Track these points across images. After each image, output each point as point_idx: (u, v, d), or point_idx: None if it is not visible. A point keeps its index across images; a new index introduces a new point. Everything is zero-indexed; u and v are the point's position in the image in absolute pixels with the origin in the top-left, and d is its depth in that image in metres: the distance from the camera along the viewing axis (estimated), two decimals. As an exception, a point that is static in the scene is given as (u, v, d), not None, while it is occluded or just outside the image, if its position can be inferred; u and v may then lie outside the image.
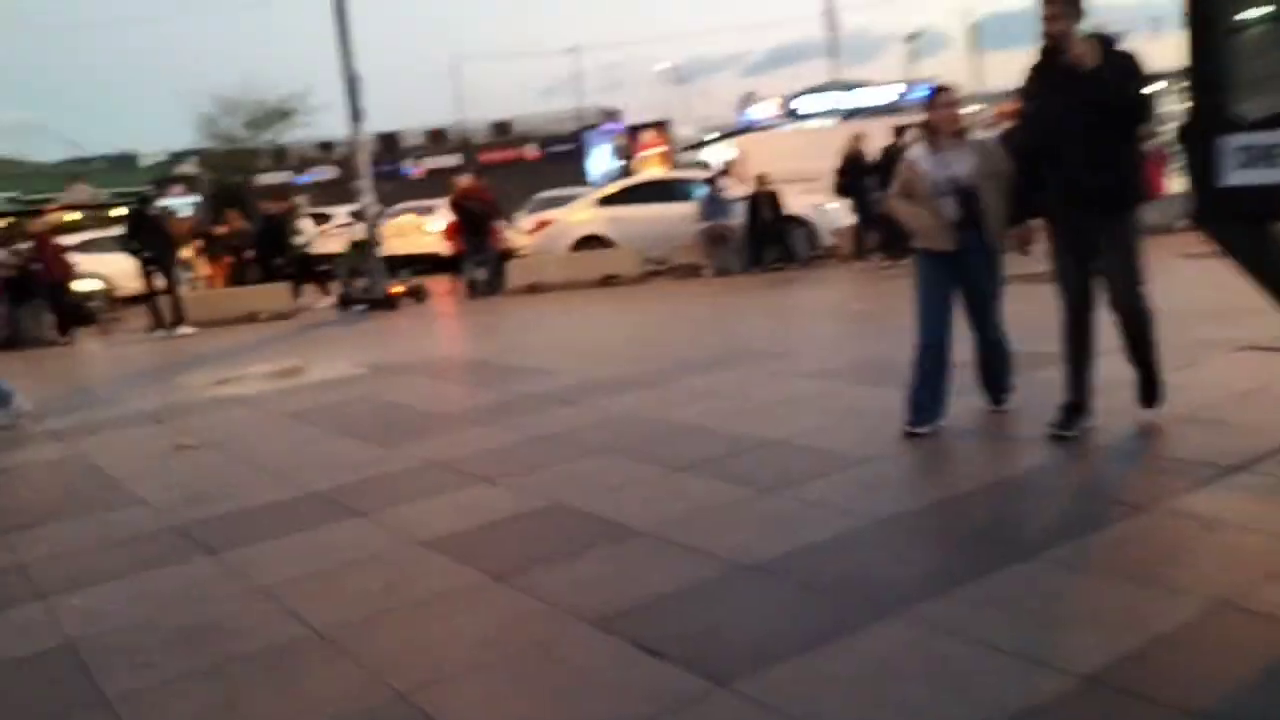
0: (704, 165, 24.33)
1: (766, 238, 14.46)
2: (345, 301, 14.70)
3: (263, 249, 16.00)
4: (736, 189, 15.54)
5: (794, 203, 14.74)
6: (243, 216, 24.34)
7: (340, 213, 22.53)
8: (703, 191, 15.19)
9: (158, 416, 7.83)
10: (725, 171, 19.19)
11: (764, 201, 14.50)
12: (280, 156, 35.09)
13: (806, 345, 8.16)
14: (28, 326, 14.12)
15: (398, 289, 14.67)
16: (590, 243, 15.64)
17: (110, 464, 6.34)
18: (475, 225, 15.26)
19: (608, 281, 14.60)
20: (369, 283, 14.72)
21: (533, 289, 14.79)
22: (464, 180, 16.27)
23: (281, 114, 40.82)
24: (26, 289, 14.07)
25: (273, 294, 15.17)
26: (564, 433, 5.91)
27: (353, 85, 14.40)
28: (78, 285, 15.51)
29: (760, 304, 11.48)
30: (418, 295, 14.98)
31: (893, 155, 13.15)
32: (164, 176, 34.41)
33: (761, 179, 14.58)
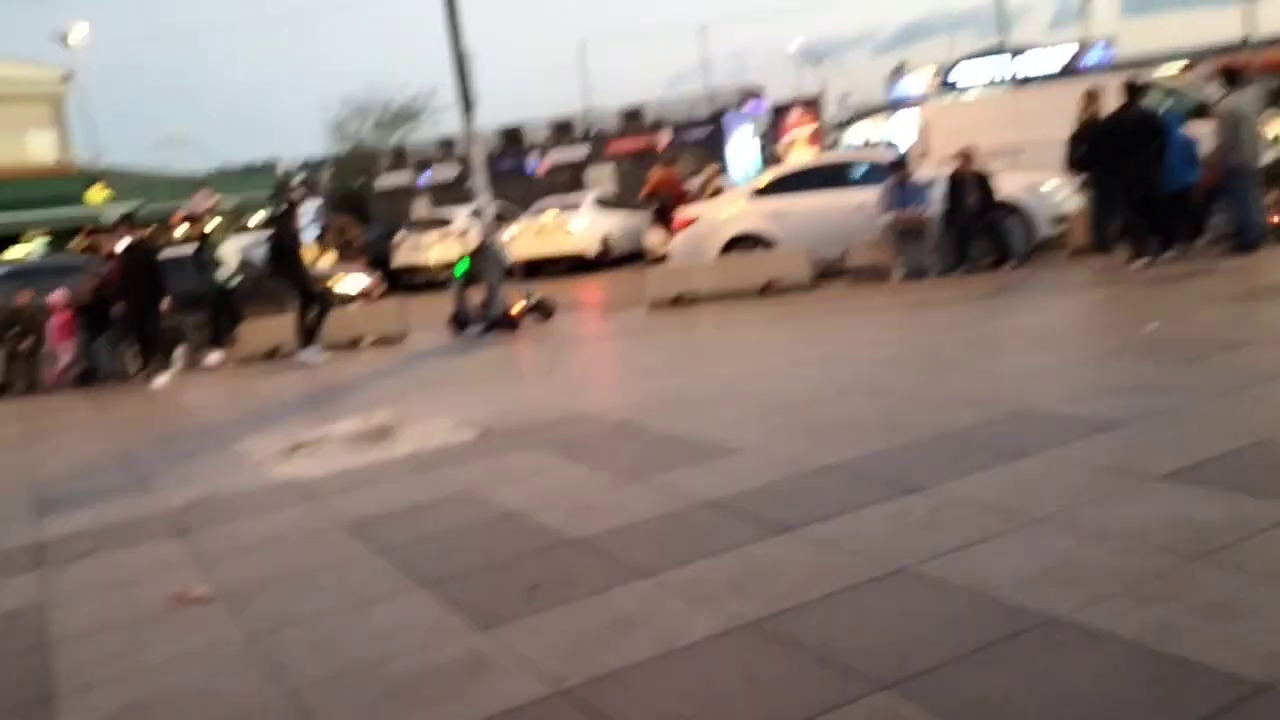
0: (887, 145, 21.18)
1: (972, 229, 11.52)
2: (459, 322, 12.46)
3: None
4: (926, 170, 12.66)
5: (1004, 184, 11.74)
6: (357, 222, 22.75)
7: (460, 215, 20.52)
8: (885, 175, 12.35)
9: (186, 520, 5.60)
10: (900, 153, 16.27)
11: (969, 184, 11.56)
12: (400, 157, 33.54)
13: (1125, 404, 5.30)
14: (104, 359, 12.38)
15: (519, 307, 12.35)
16: (744, 243, 13.00)
17: (69, 633, 4.09)
18: (667, 219, 14.94)
19: (769, 290, 11.93)
20: (487, 299, 12.44)
21: (678, 301, 12.24)
22: (656, 171, 16.21)
23: (408, 115, 39.69)
24: (104, 315, 12.31)
25: (380, 315, 13.10)
26: (789, 613, 3.31)
27: (462, 65, 12.13)
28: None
29: (996, 323, 8.59)
30: (543, 311, 12.64)
31: (1137, 123, 10.04)
32: (284, 182, 33.28)
33: (966, 155, 11.63)
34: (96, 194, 29.47)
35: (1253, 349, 6.11)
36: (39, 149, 30.59)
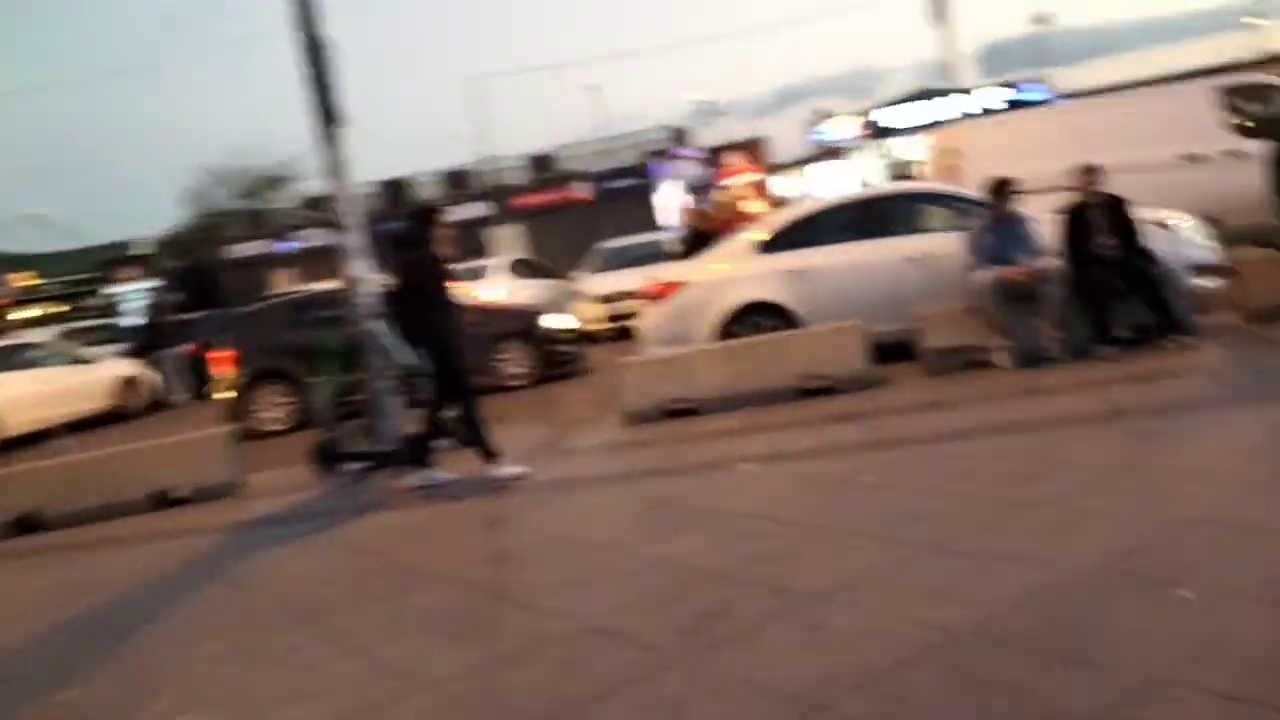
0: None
1: (1113, 288, 7.66)
2: (326, 455, 7.92)
3: None
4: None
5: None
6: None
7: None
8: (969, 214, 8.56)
9: None
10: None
11: (1098, 218, 7.75)
12: (258, 223, 28.48)
13: None
14: None
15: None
16: (751, 318, 8.90)
17: None
18: None
19: (810, 389, 7.80)
20: (370, 419, 7.96)
21: (674, 415, 7.97)
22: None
23: (276, 179, 34.83)
24: None
25: (199, 449, 8.42)
26: None
27: (316, 57, 7.75)
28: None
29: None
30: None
31: None
32: (115, 258, 27.77)
33: (1090, 174, 7.85)
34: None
35: None
36: None
